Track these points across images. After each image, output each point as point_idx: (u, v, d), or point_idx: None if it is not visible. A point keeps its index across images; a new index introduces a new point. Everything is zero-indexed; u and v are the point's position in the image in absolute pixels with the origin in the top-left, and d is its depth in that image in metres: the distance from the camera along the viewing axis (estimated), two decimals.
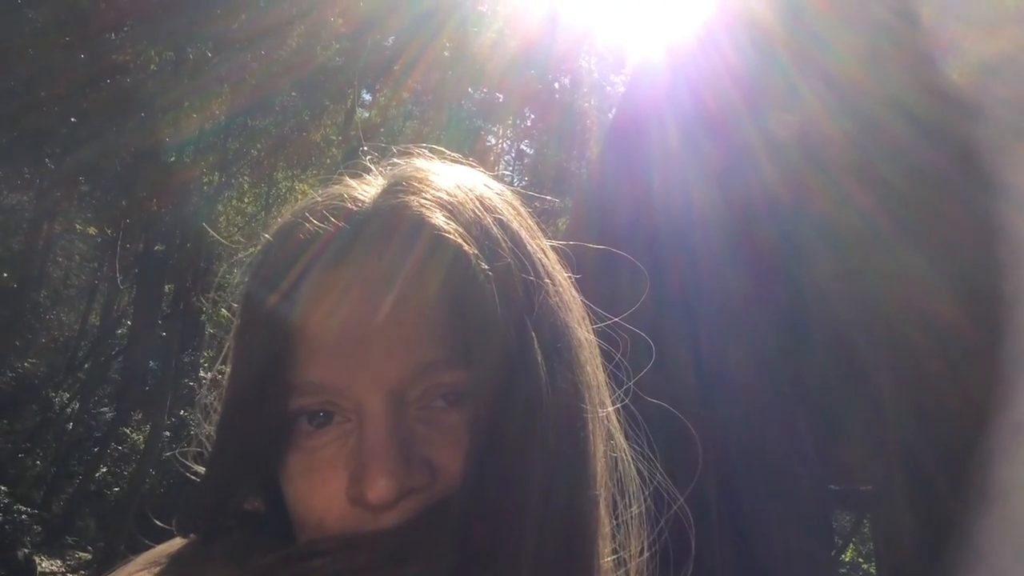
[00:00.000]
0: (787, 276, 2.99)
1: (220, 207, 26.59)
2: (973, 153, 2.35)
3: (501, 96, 30.32)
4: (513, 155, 33.81)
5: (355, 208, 0.91)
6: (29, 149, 17.29)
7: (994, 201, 2.27)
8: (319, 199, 0.95)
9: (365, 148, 1.07)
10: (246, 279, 0.97)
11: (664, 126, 3.11)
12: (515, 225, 0.94)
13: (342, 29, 22.93)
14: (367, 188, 0.95)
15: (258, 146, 25.70)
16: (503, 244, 0.88)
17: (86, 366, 23.88)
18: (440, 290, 0.84)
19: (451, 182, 0.93)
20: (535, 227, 1.00)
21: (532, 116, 32.51)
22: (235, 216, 28.96)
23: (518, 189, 1.04)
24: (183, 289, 23.92)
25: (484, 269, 0.84)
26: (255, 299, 0.91)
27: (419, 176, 0.93)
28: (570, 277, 1.00)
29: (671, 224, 3.17)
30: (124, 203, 20.53)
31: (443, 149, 1.05)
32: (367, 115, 29.22)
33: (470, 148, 29.09)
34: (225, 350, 0.98)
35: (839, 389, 2.81)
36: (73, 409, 22.38)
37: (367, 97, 29.06)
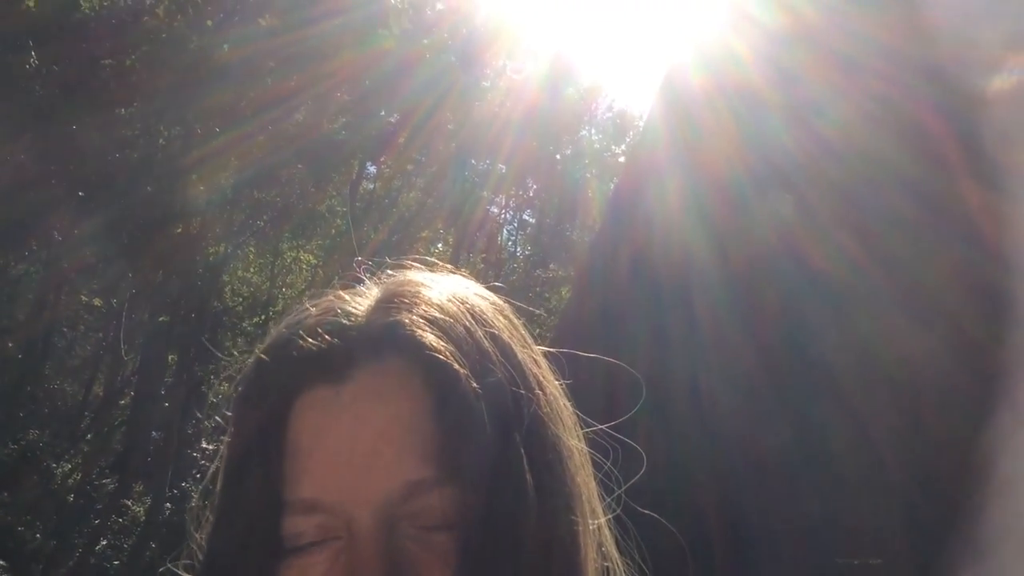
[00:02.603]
0: (792, 345, 3.01)
1: (226, 277, 26.70)
2: (970, 215, 2.39)
3: (504, 167, 30.67)
4: (516, 225, 34.05)
5: (348, 323, 0.91)
6: (37, 221, 17.45)
7: (994, 266, 2.29)
8: (312, 311, 0.96)
9: (359, 258, 1.09)
10: (239, 390, 0.96)
11: (664, 188, 3.17)
12: (506, 337, 0.95)
13: (348, 105, 23.34)
14: (360, 301, 0.95)
15: (264, 217, 25.93)
16: (494, 358, 0.90)
17: (88, 436, 23.74)
18: (431, 409, 0.84)
19: (443, 295, 0.94)
20: (526, 336, 1.01)
21: (534, 186, 32.82)
22: (240, 286, 29.06)
23: (511, 300, 1.05)
24: (187, 360, 23.89)
25: (475, 388, 0.85)
26: (247, 415, 0.92)
27: (411, 290, 0.94)
28: (561, 383, 1.02)
29: (673, 286, 3.20)
30: (130, 274, 20.63)
31: (436, 260, 1.06)
32: (372, 187, 29.53)
33: (473, 218, 29.33)
34: (217, 459, 0.98)
35: (846, 456, 2.80)
36: (74, 480, 22.17)
37: (371, 169, 29.40)
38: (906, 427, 2.28)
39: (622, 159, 32.56)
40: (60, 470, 22.21)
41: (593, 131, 34.24)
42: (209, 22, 16.10)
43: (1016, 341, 2.14)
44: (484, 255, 31.98)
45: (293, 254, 28.74)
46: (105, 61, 16.43)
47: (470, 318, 0.92)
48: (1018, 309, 2.21)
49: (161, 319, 22.95)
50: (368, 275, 1.02)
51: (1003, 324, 2.20)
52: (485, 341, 0.90)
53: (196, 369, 24.31)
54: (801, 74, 2.93)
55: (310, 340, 0.89)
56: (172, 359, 24.27)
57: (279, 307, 28.64)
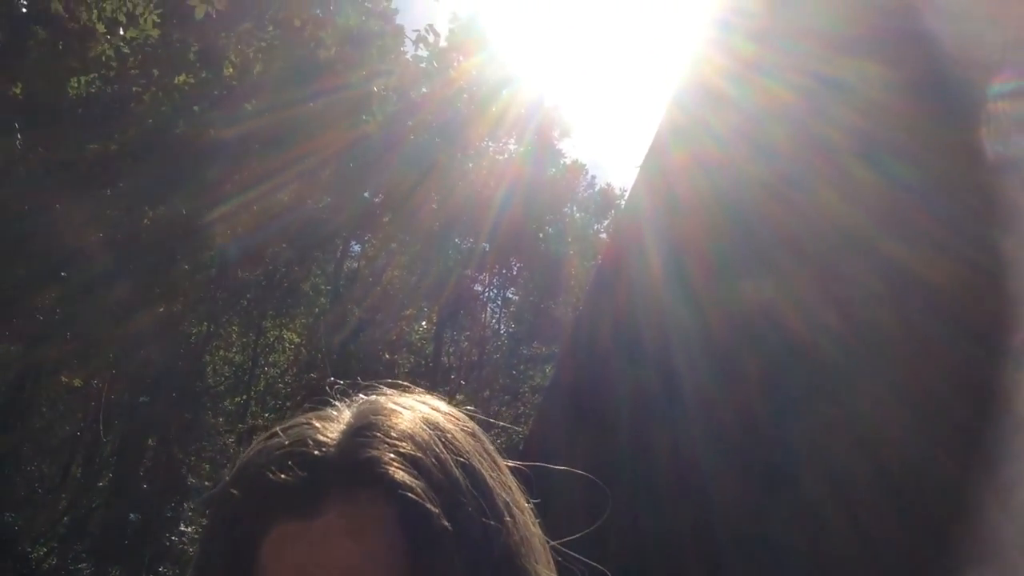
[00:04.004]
0: (776, 418, 3.03)
1: (207, 357, 26.54)
2: (951, 294, 2.45)
3: (487, 245, 30.91)
4: (499, 303, 34.15)
5: (319, 454, 0.91)
6: (20, 301, 17.38)
7: (978, 345, 2.35)
8: (284, 440, 0.95)
9: (332, 378, 1.09)
10: (208, 516, 0.97)
11: (647, 262, 3.22)
12: (476, 463, 0.96)
13: (332, 184, 23.61)
14: (331, 428, 0.95)
15: (247, 295, 25.94)
16: (465, 489, 0.91)
17: (65, 519, 23.24)
18: (403, 547, 0.85)
19: (415, 423, 0.95)
20: (496, 458, 1.02)
21: (518, 264, 33.04)
22: (222, 366, 28.87)
23: (479, 416, 1.06)
24: (166, 441, 23.59)
25: (445, 526, 0.86)
26: (216, 548, 0.92)
27: (383, 420, 0.94)
28: (530, 503, 1.04)
29: (656, 361, 3.22)
30: (111, 355, 20.50)
31: (408, 384, 1.07)
32: (356, 265, 29.66)
33: (457, 296, 29.43)
34: None
35: (833, 530, 2.80)
36: (50, 564, 21.62)
37: (356, 247, 29.57)
38: (890, 504, 2.30)
39: (604, 235, 32.90)
40: (35, 554, 21.68)
41: (575, 208, 34.66)
42: (196, 107, 16.33)
43: (1001, 422, 2.17)
44: (468, 333, 32.00)
45: (276, 332, 28.64)
46: (91, 145, 16.60)
47: (441, 446, 0.92)
48: (1003, 391, 2.25)
49: (141, 399, 22.73)
50: (339, 395, 1.02)
51: (987, 405, 2.24)
52: (456, 471, 0.91)
53: (176, 451, 23.97)
54: (777, 151, 3.03)
55: (281, 475, 0.89)
56: (151, 441, 23.96)
57: (261, 386, 28.45)
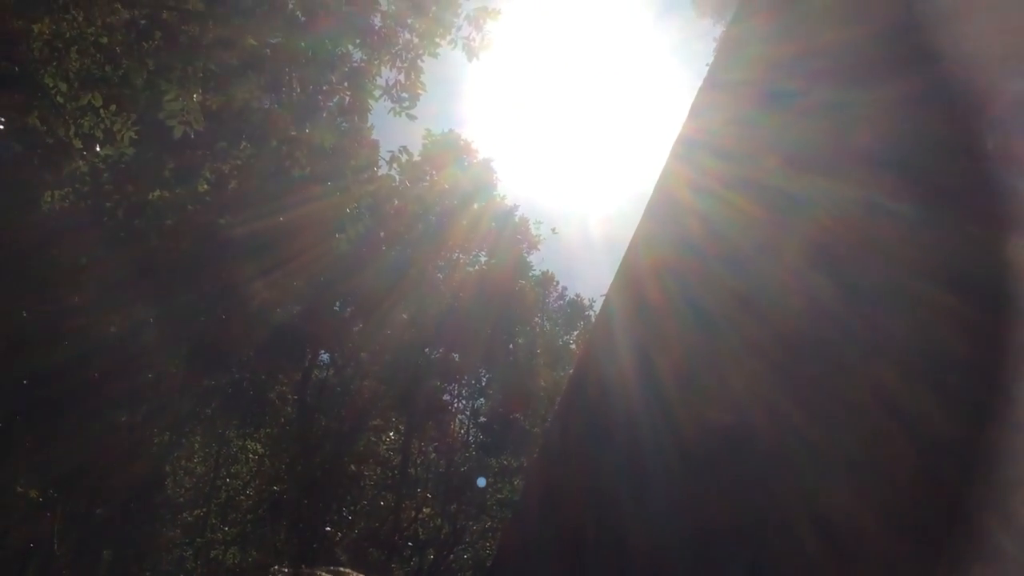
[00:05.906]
0: (749, 520, 3.06)
1: (168, 467, 25.94)
2: (905, 402, 2.52)
3: (456, 355, 30.87)
4: (468, 413, 33.86)
5: None
6: None
7: (945, 455, 2.40)
8: None
9: (276, 567, 1.12)
10: None
11: (620, 368, 3.28)
12: None
13: (303, 294, 23.69)
14: None
15: (212, 404, 25.58)
16: None
17: None
18: None
19: None
20: None
21: (487, 375, 32.93)
22: (183, 476, 28.19)
23: None
24: (123, 556, 22.84)
25: None
26: None
27: None
28: None
29: (631, 471, 3.24)
30: (70, 464, 20.02)
31: (347, 570, 1.13)
32: (324, 375, 29.43)
33: (425, 406, 29.20)
34: None
35: None
36: None
37: (325, 357, 29.38)
38: None
39: (573, 346, 32.99)
40: None
41: (545, 319, 34.83)
42: (168, 221, 16.47)
43: (969, 527, 2.21)
44: (436, 444, 31.61)
45: (240, 443, 28.11)
46: (60, 259, 16.62)
47: None
48: (969, 496, 2.30)
49: (98, 511, 22.09)
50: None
51: (954, 510, 2.29)
52: None
53: (131, 565, 23.17)
54: (741, 259, 3.13)
55: None
56: (107, 554, 23.18)
57: (222, 498, 27.74)
